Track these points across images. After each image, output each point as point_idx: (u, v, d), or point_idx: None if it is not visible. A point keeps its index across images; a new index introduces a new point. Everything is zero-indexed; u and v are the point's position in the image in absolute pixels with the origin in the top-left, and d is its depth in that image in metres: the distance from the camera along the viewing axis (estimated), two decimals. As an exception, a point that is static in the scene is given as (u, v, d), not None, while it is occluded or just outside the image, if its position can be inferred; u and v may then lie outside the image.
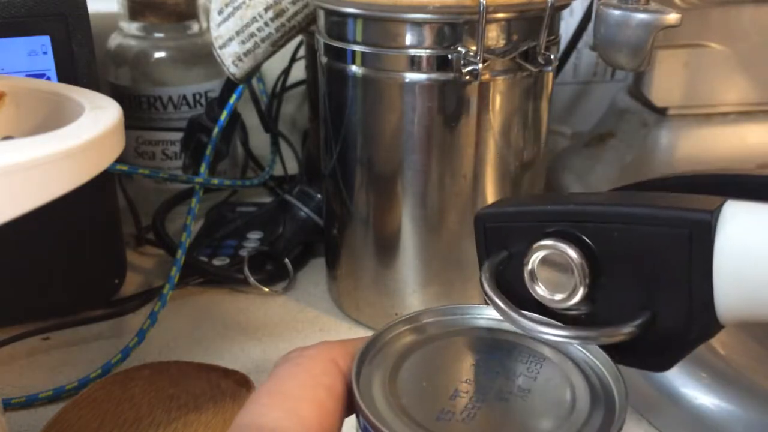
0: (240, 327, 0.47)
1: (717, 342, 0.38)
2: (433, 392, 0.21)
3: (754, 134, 0.56)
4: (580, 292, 0.22)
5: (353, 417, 0.22)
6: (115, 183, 0.48)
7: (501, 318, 0.24)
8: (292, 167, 0.67)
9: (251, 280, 0.50)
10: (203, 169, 0.52)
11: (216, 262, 0.52)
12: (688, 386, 0.36)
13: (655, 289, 0.22)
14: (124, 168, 0.52)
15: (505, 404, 0.21)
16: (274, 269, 0.52)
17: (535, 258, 0.23)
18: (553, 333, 0.21)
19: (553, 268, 0.23)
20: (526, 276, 0.24)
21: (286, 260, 0.52)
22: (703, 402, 0.35)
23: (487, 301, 0.23)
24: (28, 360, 0.43)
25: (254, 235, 0.56)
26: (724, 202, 0.21)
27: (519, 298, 0.24)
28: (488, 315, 0.25)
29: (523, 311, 0.22)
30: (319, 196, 0.55)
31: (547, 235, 0.23)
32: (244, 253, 0.52)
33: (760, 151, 0.55)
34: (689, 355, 0.23)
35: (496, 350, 0.23)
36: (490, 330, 0.24)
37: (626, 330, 0.21)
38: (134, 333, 0.43)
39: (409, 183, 0.41)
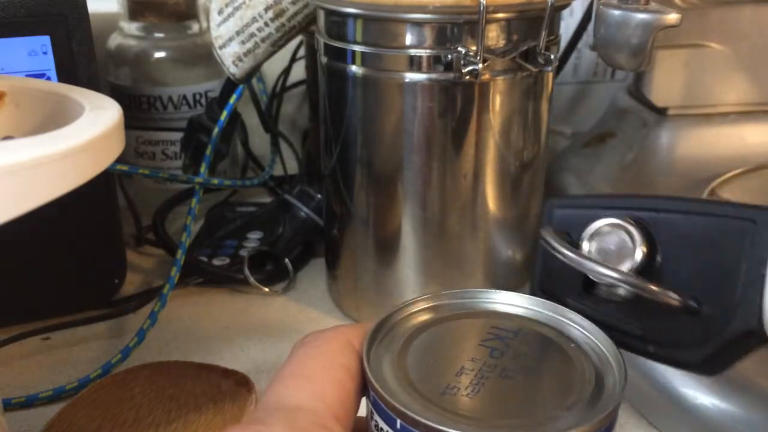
0: (240, 327, 0.47)
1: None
2: (439, 369, 0.22)
3: (754, 134, 0.56)
4: (633, 266, 0.24)
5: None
6: (115, 183, 0.48)
7: (507, 302, 0.25)
8: (292, 167, 0.67)
9: (251, 280, 0.50)
10: (203, 169, 0.52)
11: (216, 262, 0.52)
12: (688, 386, 0.36)
13: (706, 276, 0.23)
14: (124, 168, 0.52)
15: (509, 381, 0.22)
16: (274, 269, 0.52)
17: (592, 232, 0.25)
18: (608, 274, 0.23)
19: (610, 244, 0.24)
20: (583, 249, 0.25)
21: (286, 260, 0.52)
22: (703, 402, 0.35)
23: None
24: (28, 360, 0.43)
25: (254, 235, 0.56)
26: None
27: (569, 279, 0.26)
28: (494, 299, 0.25)
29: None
30: (319, 196, 0.55)
31: (608, 216, 0.24)
32: (244, 253, 0.52)
33: (760, 151, 0.55)
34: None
35: (502, 332, 0.24)
36: (496, 313, 0.25)
37: (674, 296, 0.23)
38: (134, 333, 0.43)
39: (409, 183, 0.41)
